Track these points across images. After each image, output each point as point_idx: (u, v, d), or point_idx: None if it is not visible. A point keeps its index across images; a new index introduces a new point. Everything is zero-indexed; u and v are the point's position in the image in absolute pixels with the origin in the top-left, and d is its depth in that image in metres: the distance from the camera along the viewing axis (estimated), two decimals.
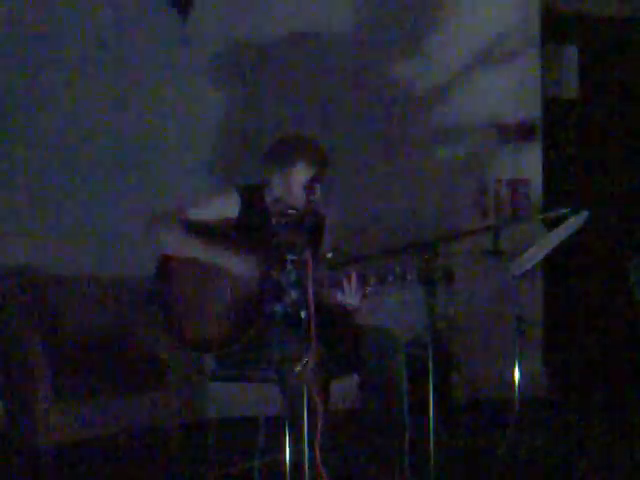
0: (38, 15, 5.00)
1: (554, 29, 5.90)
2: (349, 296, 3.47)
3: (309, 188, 3.54)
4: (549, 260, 5.25)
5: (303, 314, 3.00)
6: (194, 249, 3.59)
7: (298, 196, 3.62)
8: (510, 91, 5.67)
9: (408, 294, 3.67)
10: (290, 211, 3.62)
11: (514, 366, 4.16)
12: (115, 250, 4.99)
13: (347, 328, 3.69)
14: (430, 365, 3.18)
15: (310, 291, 2.99)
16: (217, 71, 5.22)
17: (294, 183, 3.64)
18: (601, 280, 6.15)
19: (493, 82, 5.65)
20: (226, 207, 3.69)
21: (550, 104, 5.90)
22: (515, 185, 5.62)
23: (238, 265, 3.54)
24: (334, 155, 3.80)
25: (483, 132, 5.65)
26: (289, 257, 3.15)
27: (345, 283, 3.47)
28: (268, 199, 3.72)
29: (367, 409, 3.64)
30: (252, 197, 3.72)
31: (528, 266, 4.14)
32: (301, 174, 3.63)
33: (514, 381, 4.19)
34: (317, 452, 2.98)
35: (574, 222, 3.97)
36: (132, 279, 4.67)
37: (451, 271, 3.35)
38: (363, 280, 3.49)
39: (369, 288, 3.54)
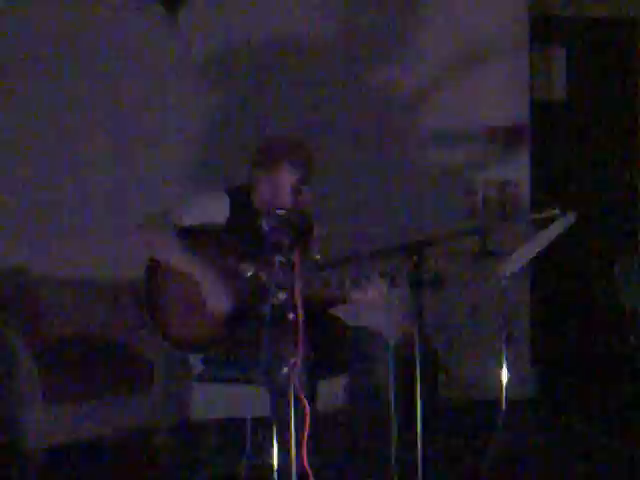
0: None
1: (542, 31, 5.91)
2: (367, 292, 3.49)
3: (296, 190, 3.53)
4: (537, 261, 5.27)
5: (290, 316, 2.99)
6: (179, 263, 3.58)
7: (285, 198, 3.61)
8: (498, 93, 5.67)
9: (396, 296, 3.66)
10: (279, 211, 3.61)
11: (502, 367, 4.15)
12: (103, 252, 4.97)
13: (335, 330, 3.68)
14: (417, 367, 3.17)
15: (297, 293, 2.97)
16: (204, 74, 5.21)
17: (280, 185, 3.64)
18: (588, 281, 6.16)
19: (481, 84, 5.65)
20: (217, 208, 3.68)
21: (538, 106, 5.90)
22: (503, 186, 5.62)
23: (213, 295, 3.54)
24: (323, 159, 3.79)
25: (471, 134, 5.65)
26: (277, 258, 3.14)
27: (364, 281, 3.48)
28: (256, 201, 3.72)
29: (354, 411, 3.63)
30: (241, 199, 3.72)
31: (516, 267, 4.13)
32: (287, 176, 3.62)
33: (502, 382, 4.19)
34: (304, 454, 2.97)
35: (562, 223, 3.97)
36: (120, 280, 4.66)
37: (442, 276, 3.34)
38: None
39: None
